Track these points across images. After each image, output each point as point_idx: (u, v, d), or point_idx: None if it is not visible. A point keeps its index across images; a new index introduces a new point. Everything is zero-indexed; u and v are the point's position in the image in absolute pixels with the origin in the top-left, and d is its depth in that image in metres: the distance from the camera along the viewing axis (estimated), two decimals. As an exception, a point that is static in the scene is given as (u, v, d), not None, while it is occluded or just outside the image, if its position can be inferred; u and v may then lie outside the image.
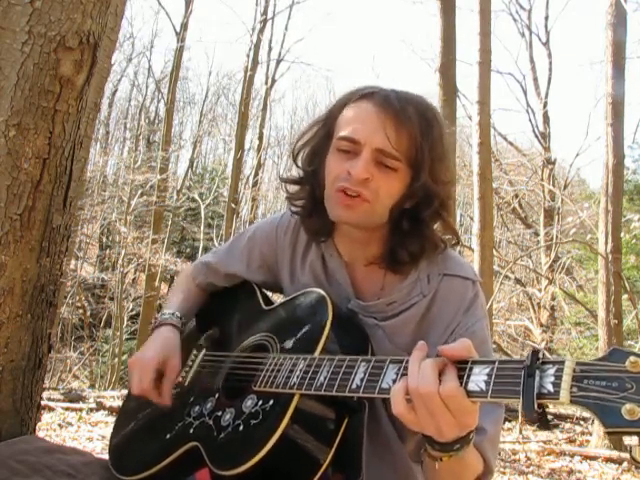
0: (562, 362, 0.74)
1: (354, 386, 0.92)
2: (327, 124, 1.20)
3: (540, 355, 0.76)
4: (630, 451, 0.68)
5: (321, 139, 1.21)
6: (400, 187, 1.12)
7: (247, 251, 1.39)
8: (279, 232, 1.35)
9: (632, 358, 0.69)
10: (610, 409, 0.67)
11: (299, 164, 1.25)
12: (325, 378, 0.96)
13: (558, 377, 0.73)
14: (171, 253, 16.07)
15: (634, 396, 0.67)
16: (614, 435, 0.68)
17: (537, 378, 0.74)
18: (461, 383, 0.81)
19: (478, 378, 0.80)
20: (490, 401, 0.79)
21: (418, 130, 1.09)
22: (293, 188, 1.28)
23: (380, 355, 1.08)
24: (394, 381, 0.88)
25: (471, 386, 0.80)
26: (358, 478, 1.07)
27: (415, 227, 1.15)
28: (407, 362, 0.88)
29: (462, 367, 0.82)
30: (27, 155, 1.29)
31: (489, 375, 0.79)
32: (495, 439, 1.08)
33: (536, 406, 0.72)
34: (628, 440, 0.69)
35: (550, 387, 0.73)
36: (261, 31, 15.66)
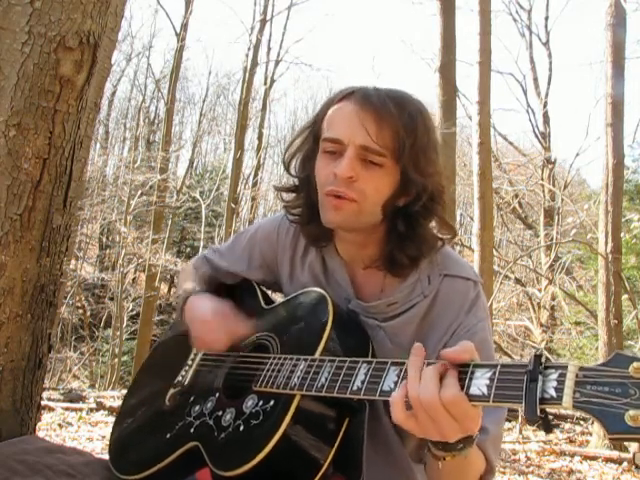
0: (565, 367, 0.73)
1: (355, 388, 0.92)
2: (314, 128, 1.20)
3: (543, 359, 0.75)
4: (633, 458, 0.68)
5: (311, 143, 1.21)
6: (388, 183, 1.11)
7: (248, 250, 1.40)
8: (280, 232, 1.35)
9: (635, 364, 0.68)
10: (613, 415, 0.67)
11: (292, 172, 1.25)
12: (326, 379, 0.96)
13: (561, 382, 0.72)
14: (171, 253, 16.08)
15: (638, 402, 0.66)
16: (617, 441, 0.68)
17: (540, 383, 0.73)
18: (462, 387, 0.80)
19: (480, 382, 0.79)
20: (492, 405, 0.78)
21: (400, 124, 1.08)
22: (289, 196, 1.28)
23: (381, 356, 1.08)
24: (395, 383, 0.87)
25: (473, 390, 0.80)
26: (359, 479, 1.07)
27: (411, 228, 1.15)
28: None
29: (464, 371, 0.82)
30: (27, 155, 1.29)
31: (491, 379, 0.79)
32: (497, 438, 1.08)
33: (539, 411, 0.72)
34: (632, 448, 0.69)
35: (553, 392, 0.72)
36: (260, 31, 15.65)
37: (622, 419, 0.66)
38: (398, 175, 1.11)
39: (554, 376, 0.73)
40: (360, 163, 1.09)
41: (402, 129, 1.08)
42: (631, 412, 0.66)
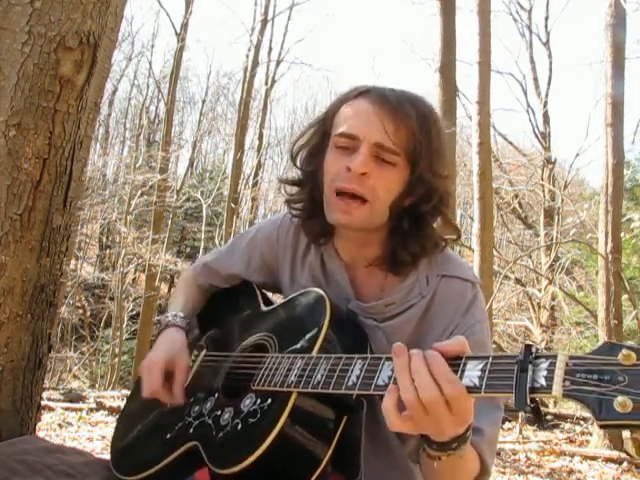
0: (555, 356, 0.74)
1: (350, 383, 0.92)
2: (325, 124, 1.20)
3: (533, 350, 0.76)
4: (622, 444, 0.68)
5: (319, 139, 1.21)
6: (399, 182, 1.12)
7: (248, 252, 1.40)
8: (280, 233, 1.35)
9: (624, 351, 0.69)
10: (603, 402, 0.67)
11: (298, 165, 1.25)
12: (322, 376, 0.96)
13: (551, 371, 0.73)
14: (171, 253, 16.08)
15: (626, 389, 0.67)
16: (607, 428, 0.68)
17: (530, 372, 0.74)
18: None
19: (472, 373, 0.80)
20: (484, 396, 0.79)
21: (416, 125, 1.10)
22: (292, 190, 1.28)
23: None
24: (390, 378, 0.88)
25: (465, 381, 0.80)
26: (356, 477, 1.07)
27: (415, 226, 1.15)
28: None
29: (456, 363, 0.83)
30: (27, 155, 1.30)
31: (483, 370, 0.79)
32: (493, 440, 1.08)
33: (529, 400, 0.73)
34: (625, 435, 0.69)
35: (543, 381, 0.73)
36: (261, 32, 15.66)
37: (611, 406, 0.66)
38: (408, 175, 1.12)
39: (544, 365, 0.74)
40: (373, 160, 1.10)
41: (418, 130, 1.10)
42: (620, 398, 0.66)
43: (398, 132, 1.09)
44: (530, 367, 0.74)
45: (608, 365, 0.69)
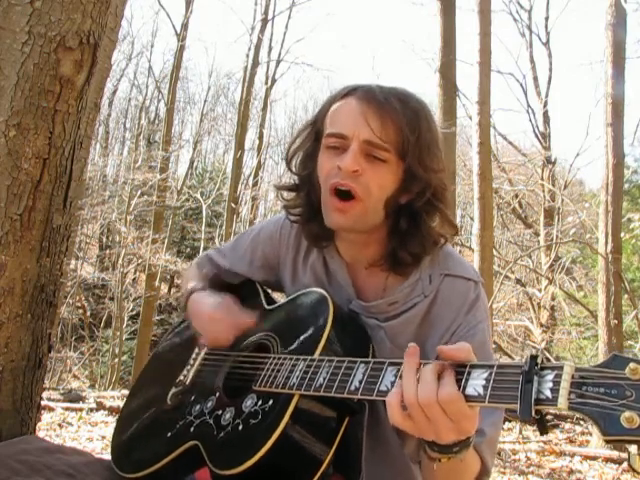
0: (561, 368, 0.73)
1: (353, 387, 0.92)
2: (316, 126, 1.21)
3: (539, 360, 0.75)
4: (628, 459, 0.67)
5: (312, 141, 1.21)
6: (392, 179, 1.11)
7: (250, 250, 1.40)
8: (283, 233, 1.35)
9: (632, 365, 0.68)
10: (609, 417, 0.67)
11: (293, 169, 1.25)
12: (324, 379, 0.96)
13: (556, 383, 0.72)
14: (171, 253, 16.07)
15: (633, 404, 0.66)
16: (613, 443, 0.67)
17: (535, 384, 0.73)
18: (459, 387, 0.80)
19: (476, 382, 0.79)
20: (488, 406, 0.78)
21: (404, 120, 1.09)
22: (290, 195, 1.28)
23: (381, 356, 1.08)
24: (392, 383, 0.87)
25: (469, 390, 0.80)
26: (358, 479, 1.06)
27: (413, 225, 1.15)
28: None
29: (460, 371, 0.82)
30: (27, 155, 1.30)
31: (487, 380, 0.79)
32: (493, 441, 1.07)
33: (534, 412, 0.72)
34: (630, 450, 0.68)
35: (548, 393, 0.72)
36: (261, 31, 15.66)
37: (617, 421, 0.66)
38: (401, 172, 1.12)
39: (550, 377, 0.73)
40: (364, 158, 1.09)
41: (405, 125, 1.09)
42: (627, 414, 0.65)
43: (385, 128, 1.08)
44: (535, 378, 0.74)
45: (615, 379, 0.69)
